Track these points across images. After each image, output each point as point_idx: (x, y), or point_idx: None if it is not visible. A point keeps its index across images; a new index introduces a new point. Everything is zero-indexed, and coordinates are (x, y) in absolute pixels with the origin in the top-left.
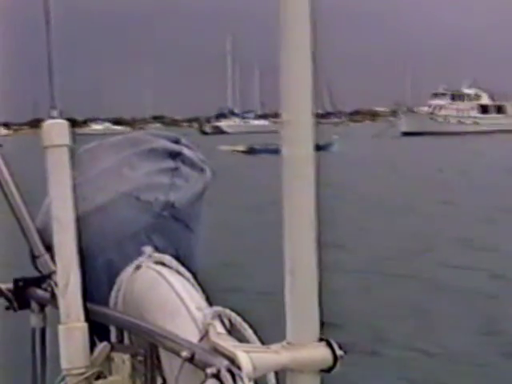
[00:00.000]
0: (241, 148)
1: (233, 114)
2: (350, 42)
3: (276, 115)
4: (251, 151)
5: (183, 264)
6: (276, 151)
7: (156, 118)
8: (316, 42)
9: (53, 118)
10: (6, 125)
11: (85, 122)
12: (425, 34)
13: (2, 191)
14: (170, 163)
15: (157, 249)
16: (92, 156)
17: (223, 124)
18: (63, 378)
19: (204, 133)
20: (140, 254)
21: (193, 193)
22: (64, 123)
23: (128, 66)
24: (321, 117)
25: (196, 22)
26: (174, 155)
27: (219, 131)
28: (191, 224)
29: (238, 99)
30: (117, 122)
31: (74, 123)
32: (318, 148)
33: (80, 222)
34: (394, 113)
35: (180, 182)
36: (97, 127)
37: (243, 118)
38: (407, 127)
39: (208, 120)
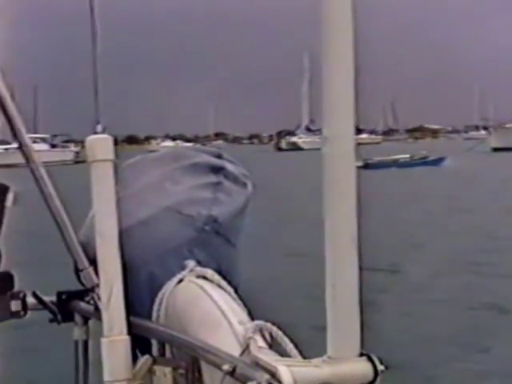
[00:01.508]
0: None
1: (309, 130)
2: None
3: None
4: (367, 166)
5: (225, 278)
6: (390, 166)
7: (218, 135)
8: (358, 57)
9: (97, 133)
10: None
11: (147, 139)
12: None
13: (46, 205)
14: (213, 178)
15: (199, 263)
16: (135, 171)
17: (299, 140)
18: None
19: (280, 149)
20: (182, 267)
21: (235, 207)
22: (108, 138)
23: (191, 82)
24: (383, 134)
25: (264, 38)
26: (217, 170)
27: (295, 147)
28: (233, 238)
29: (309, 115)
30: (177, 139)
31: (135, 140)
32: (429, 163)
33: (123, 235)
34: (476, 128)
35: (222, 196)
36: (168, 144)
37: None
38: (497, 143)
39: (271, 137)
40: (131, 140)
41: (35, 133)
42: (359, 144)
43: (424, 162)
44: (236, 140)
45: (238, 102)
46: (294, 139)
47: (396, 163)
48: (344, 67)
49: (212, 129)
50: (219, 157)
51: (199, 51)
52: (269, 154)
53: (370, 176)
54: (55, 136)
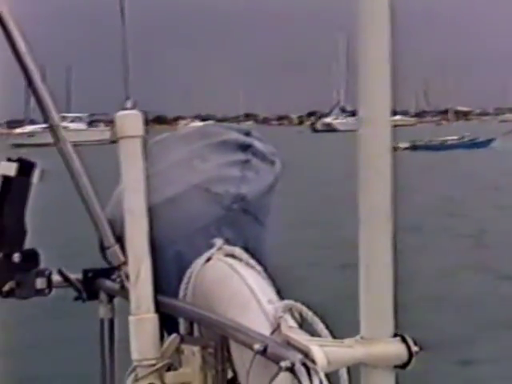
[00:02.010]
0: (403, 145)
1: (344, 111)
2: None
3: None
4: (414, 148)
5: (253, 257)
6: (439, 147)
7: (248, 116)
8: (394, 40)
9: (126, 109)
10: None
11: (175, 120)
12: None
13: (73, 182)
14: (241, 156)
15: (226, 241)
16: (162, 148)
17: (335, 121)
18: (133, 369)
19: (315, 130)
20: (210, 246)
21: (263, 186)
22: (137, 114)
23: (220, 62)
24: (415, 116)
25: (297, 17)
26: (245, 147)
27: (331, 129)
28: (261, 217)
29: (346, 97)
30: (207, 119)
31: (164, 120)
32: (478, 145)
33: (150, 213)
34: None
35: (251, 174)
36: (197, 124)
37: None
38: None
39: (300, 119)
40: (160, 120)
41: (68, 112)
42: (395, 126)
43: (473, 143)
44: (265, 121)
45: (266, 82)
46: (328, 120)
47: (444, 145)
48: (381, 47)
49: (242, 109)
50: (248, 134)
51: (228, 29)
52: (305, 135)
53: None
54: (93, 115)
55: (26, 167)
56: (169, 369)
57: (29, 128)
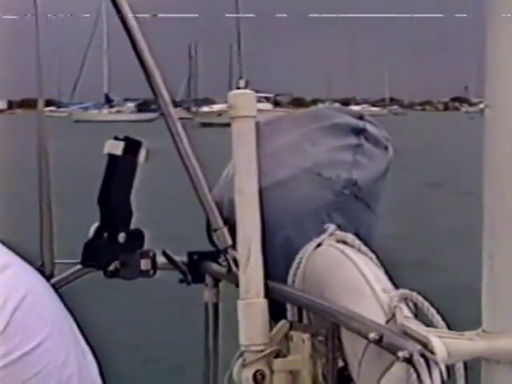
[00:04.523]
0: None
1: None
2: None
3: None
4: None
5: (365, 244)
6: None
7: (392, 100)
8: None
9: (239, 88)
10: None
11: (314, 102)
12: None
13: (182, 162)
14: (354, 140)
15: (338, 227)
16: (273, 129)
17: None
18: (241, 355)
19: None
20: (319, 231)
21: (376, 171)
22: (251, 94)
23: (364, 45)
24: None
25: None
26: (358, 131)
27: None
28: (372, 204)
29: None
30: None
31: (300, 103)
32: None
33: (259, 196)
34: None
35: (363, 159)
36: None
37: None
38: None
39: (445, 104)
40: (297, 102)
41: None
42: None
43: None
44: (410, 106)
45: (407, 65)
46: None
47: None
48: (508, 33)
49: (386, 93)
50: (360, 118)
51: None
52: (477, 120)
53: None
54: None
55: (132, 146)
56: (277, 355)
57: (216, 107)
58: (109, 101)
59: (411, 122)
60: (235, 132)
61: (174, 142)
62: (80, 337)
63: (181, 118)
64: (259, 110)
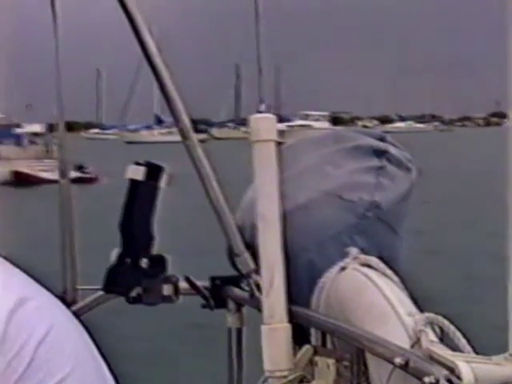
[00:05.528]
0: None
1: None
2: None
3: None
4: None
5: (389, 267)
6: None
7: (433, 117)
8: None
9: (260, 112)
10: None
11: (352, 120)
12: None
13: (203, 186)
14: (376, 161)
15: (361, 250)
16: (294, 153)
17: None
18: (265, 380)
19: None
20: (342, 255)
21: (399, 193)
22: (272, 118)
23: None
24: None
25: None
26: (380, 153)
27: None
28: (396, 226)
29: None
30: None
31: (339, 120)
32: None
33: (282, 220)
34: None
35: (385, 181)
36: (399, 125)
37: None
38: None
39: (486, 120)
40: (335, 120)
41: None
42: None
43: None
44: (451, 122)
45: (446, 81)
46: None
47: None
48: None
49: (427, 109)
50: (382, 139)
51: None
52: None
53: None
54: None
55: (154, 171)
56: (301, 381)
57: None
58: (160, 122)
59: (465, 139)
60: (256, 156)
61: (194, 166)
62: (103, 367)
63: (233, 138)
64: (316, 128)
